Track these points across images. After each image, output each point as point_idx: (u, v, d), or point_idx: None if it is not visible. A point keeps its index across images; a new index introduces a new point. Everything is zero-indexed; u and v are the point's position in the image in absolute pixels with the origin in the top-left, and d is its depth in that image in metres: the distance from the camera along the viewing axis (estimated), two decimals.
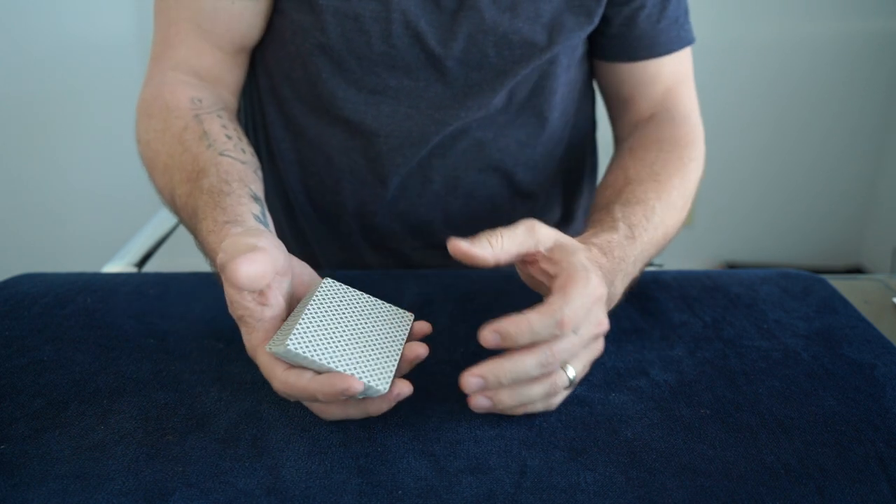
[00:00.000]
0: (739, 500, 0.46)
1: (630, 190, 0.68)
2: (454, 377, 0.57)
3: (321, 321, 0.49)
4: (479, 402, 0.50)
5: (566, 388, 0.51)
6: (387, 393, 0.48)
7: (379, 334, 0.51)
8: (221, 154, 0.65)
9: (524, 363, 0.48)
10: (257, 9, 0.74)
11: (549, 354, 0.49)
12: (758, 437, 0.51)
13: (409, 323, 0.53)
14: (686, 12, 0.81)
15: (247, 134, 0.88)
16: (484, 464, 0.49)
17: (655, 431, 0.52)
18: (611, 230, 0.61)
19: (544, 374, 0.50)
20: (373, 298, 0.54)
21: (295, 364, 0.48)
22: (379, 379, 0.48)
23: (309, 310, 0.49)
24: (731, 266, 2.28)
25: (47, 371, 0.58)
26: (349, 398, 0.48)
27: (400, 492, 0.46)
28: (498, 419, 0.53)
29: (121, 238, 1.04)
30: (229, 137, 0.67)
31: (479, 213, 0.85)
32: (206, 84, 0.75)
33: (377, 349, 0.50)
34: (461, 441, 0.51)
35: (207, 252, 0.57)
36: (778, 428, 0.52)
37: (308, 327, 0.48)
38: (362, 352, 0.49)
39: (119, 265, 0.93)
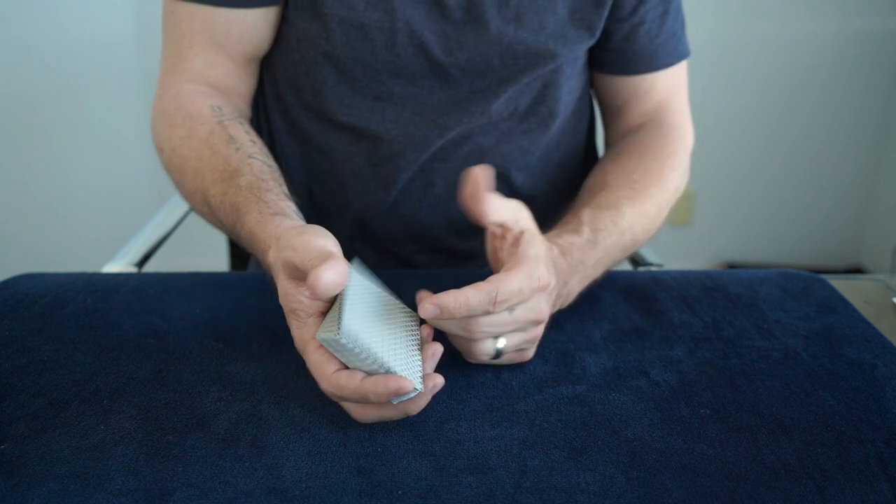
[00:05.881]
0: (739, 500, 0.46)
1: (604, 195, 0.71)
2: (454, 377, 0.57)
3: (361, 312, 0.50)
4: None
5: (492, 357, 0.56)
6: (423, 390, 0.49)
7: (402, 330, 0.52)
8: (251, 157, 0.67)
9: (448, 324, 0.53)
10: (269, 19, 0.76)
11: (474, 323, 0.53)
12: (758, 437, 0.51)
13: (419, 321, 0.55)
14: (683, 26, 0.82)
15: None
16: (484, 464, 0.49)
17: (655, 431, 0.52)
18: (574, 233, 0.65)
19: (467, 337, 0.54)
20: (386, 293, 0.55)
21: (339, 355, 0.48)
22: (416, 378, 0.49)
23: (347, 301, 0.49)
24: (731, 266, 2.28)
25: (47, 371, 0.58)
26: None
27: (400, 492, 0.46)
28: (498, 419, 0.53)
29: (121, 238, 1.04)
30: (254, 143, 0.70)
31: None
32: (221, 94, 0.76)
33: (406, 346, 0.51)
34: (461, 441, 0.51)
35: (253, 243, 0.59)
36: (778, 428, 0.52)
37: (353, 317, 0.48)
38: (399, 348, 0.50)
39: (119, 265, 0.93)
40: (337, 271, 0.45)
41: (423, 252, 0.87)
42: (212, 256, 1.60)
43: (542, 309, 0.55)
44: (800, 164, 2.15)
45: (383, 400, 0.47)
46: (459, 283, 0.72)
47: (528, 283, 0.53)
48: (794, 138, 2.12)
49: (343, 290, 0.49)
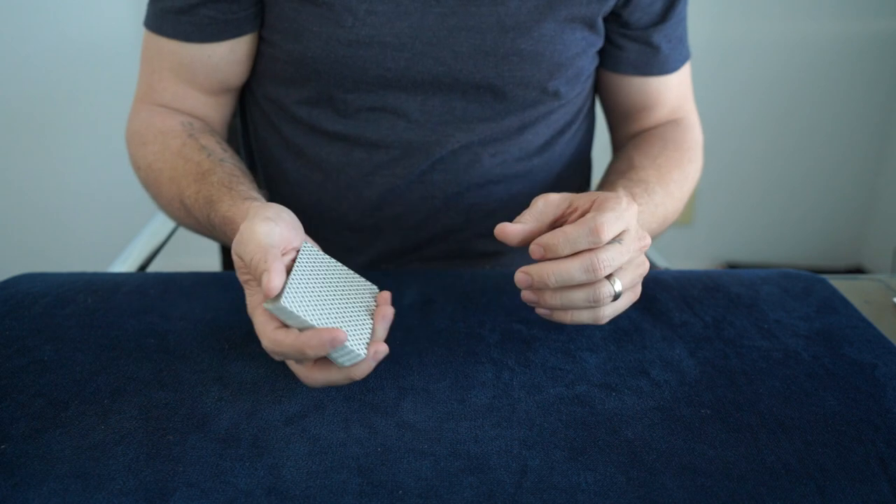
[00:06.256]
0: (739, 500, 0.46)
1: (633, 172, 0.73)
2: (454, 377, 0.57)
3: (307, 284, 0.52)
4: (526, 296, 0.55)
5: (611, 298, 0.54)
6: (365, 355, 0.51)
7: (354, 301, 0.54)
8: (222, 160, 0.70)
9: (567, 266, 0.52)
10: (240, 50, 0.77)
11: (593, 260, 0.52)
12: (758, 437, 0.51)
13: (375, 293, 0.57)
14: (686, 30, 0.84)
15: (250, 160, 0.94)
16: (484, 464, 0.49)
17: (656, 431, 0.52)
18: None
19: (589, 282, 0.53)
20: (343, 267, 0.57)
21: (285, 323, 0.50)
22: (359, 344, 0.51)
23: (295, 272, 0.52)
24: (732, 266, 2.28)
25: (47, 371, 0.58)
26: (331, 360, 0.51)
27: (400, 492, 0.46)
28: (498, 419, 0.53)
29: (121, 238, 1.04)
30: (224, 150, 0.72)
31: (479, 227, 0.84)
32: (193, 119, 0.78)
33: (354, 315, 0.53)
34: (461, 441, 0.51)
35: (226, 226, 0.62)
36: (778, 428, 0.52)
37: (297, 288, 0.51)
38: (343, 317, 0.52)
39: (120, 270, 0.93)
40: (280, 274, 0.49)
41: (420, 262, 0.86)
42: (209, 256, 1.60)
43: (644, 234, 0.56)
44: (800, 165, 2.15)
45: (321, 352, 0.49)
46: (460, 282, 0.72)
47: (620, 208, 0.53)
48: (794, 139, 2.12)
49: (295, 264, 0.53)
